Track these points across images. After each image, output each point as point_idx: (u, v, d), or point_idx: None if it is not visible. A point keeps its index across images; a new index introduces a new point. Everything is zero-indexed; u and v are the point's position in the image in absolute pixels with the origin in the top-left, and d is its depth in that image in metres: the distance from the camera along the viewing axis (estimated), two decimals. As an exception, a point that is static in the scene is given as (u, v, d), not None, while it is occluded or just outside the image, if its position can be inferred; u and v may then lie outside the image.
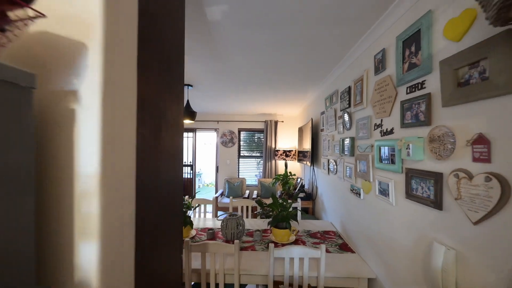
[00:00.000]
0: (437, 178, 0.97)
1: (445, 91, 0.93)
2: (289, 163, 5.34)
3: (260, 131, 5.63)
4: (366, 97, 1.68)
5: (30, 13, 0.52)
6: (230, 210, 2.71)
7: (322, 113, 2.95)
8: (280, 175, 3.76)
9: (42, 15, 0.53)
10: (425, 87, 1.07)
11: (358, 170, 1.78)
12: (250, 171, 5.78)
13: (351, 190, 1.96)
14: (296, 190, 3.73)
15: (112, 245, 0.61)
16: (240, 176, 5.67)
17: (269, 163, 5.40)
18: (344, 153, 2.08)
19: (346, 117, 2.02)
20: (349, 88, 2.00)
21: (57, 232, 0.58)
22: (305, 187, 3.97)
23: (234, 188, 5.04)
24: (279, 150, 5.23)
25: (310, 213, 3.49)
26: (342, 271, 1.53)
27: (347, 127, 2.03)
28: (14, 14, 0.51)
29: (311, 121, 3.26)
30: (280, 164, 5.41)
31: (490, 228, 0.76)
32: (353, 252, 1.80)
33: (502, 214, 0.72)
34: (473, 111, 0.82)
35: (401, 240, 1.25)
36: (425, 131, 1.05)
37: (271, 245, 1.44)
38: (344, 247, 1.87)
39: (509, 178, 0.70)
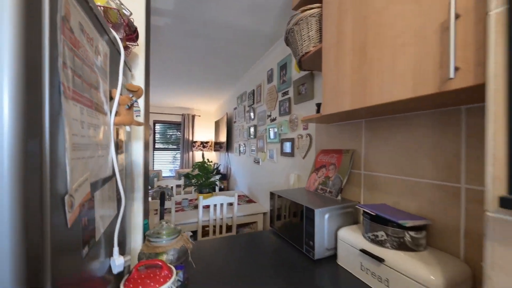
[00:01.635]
0: (292, 140, 1.89)
1: (295, 96, 1.85)
2: (206, 153, 5.89)
3: (177, 124, 5.83)
4: (263, 97, 2.56)
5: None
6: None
7: (235, 108, 3.73)
8: (198, 162, 4.26)
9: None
10: (288, 94, 1.99)
11: (258, 147, 2.65)
12: (165, 164, 5.87)
13: (254, 161, 2.82)
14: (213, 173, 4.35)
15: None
16: (155, 169, 5.65)
17: (187, 154, 5.73)
18: (250, 137, 2.92)
19: (251, 111, 2.86)
20: (253, 90, 2.85)
21: None
22: (220, 170, 4.67)
23: (150, 179, 5.04)
24: (196, 142, 5.67)
25: (225, 189, 4.22)
26: (248, 211, 2.32)
27: (252, 118, 2.87)
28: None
29: (226, 115, 3.98)
30: (198, 154, 5.86)
31: (307, 160, 1.70)
32: (255, 202, 2.65)
33: (310, 152, 1.67)
34: (303, 107, 1.76)
35: (279, 181, 2.16)
36: (288, 117, 1.97)
37: (200, 196, 2.02)
38: (250, 201, 2.70)
39: (313, 135, 1.64)
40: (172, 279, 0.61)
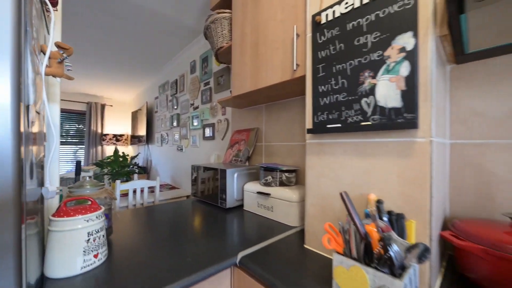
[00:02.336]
0: (213, 125, 2.14)
1: (215, 86, 2.11)
2: (121, 148, 5.28)
3: (80, 113, 4.94)
4: (186, 87, 2.68)
5: None
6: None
7: (156, 97, 3.62)
8: (109, 156, 3.83)
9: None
10: (209, 84, 2.23)
11: (181, 134, 2.75)
12: (64, 161, 4.87)
13: (177, 149, 2.89)
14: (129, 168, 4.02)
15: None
16: (48, 167, 4.59)
17: (94, 149, 4.96)
18: (173, 126, 2.96)
19: (174, 100, 2.91)
20: (176, 80, 2.91)
21: None
22: (139, 164, 4.35)
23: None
24: (107, 135, 5.00)
25: (145, 185, 3.99)
26: (170, 196, 2.40)
27: (175, 107, 2.93)
28: None
29: (146, 104, 3.78)
30: (109, 149, 5.18)
31: (225, 140, 2.00)
32: (178, 188, 2.73)
33: (228, 133, 1.97)
34: (222, 95, 2.04)
35: (202, 163, 2.36)
36: (209, 105, 2.21)
37: (118, 180, 1.96)
38: (172, 188, 2.75)
39: (230, 119, 1.94)
40: (102, 210, 0.73)
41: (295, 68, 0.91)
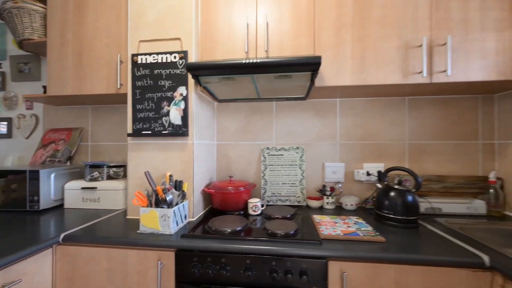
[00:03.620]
0: (9, 120, 1.72)
1: (14, 73, 1.71)
2: None
3: None
4: None
5: None
6: None
7: None
8: None
9: None
10: (1, 68, 1.75)
11: None
12: None
13: None
14: None
15: None
16: None
17: None
18: None
19: None
20: None
21: None
22: None
23: None
24: None
25: None
26: None
27: None
28: None
29: None
30: None
31: (31, 139, 1.71)
32: None
33: (37, 131, 1.71)
34: (27, 86, 1.72)
35: (-15, 170, 1.78)
36: (2, 94, 1.74)
37: None
38: None
39: (40, 115, 1.70)
40: None
41: (119, 86, 1.20)
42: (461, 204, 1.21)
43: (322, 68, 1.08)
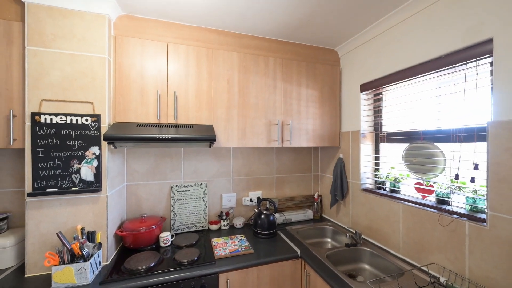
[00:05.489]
0: None
1: None
2: None
3: None
4: None
5: None
6: None
7: None
8: None
9: None
10: None
11: None
12: None
13: None
14: None
15: None
16: None
17: None
18: None
19: None
20: None
21: None
22: None
23: None
24: None
25: None
26: None
27: None
28: None
29: None
30: None
31: None
32: None
33: None
34: None
35: None
36: None
37: None
38: None
39: None
40: None
41: (12, 142, 1.16)
42: (301, 214, 2.01)
43: (217, 136, 1.53)
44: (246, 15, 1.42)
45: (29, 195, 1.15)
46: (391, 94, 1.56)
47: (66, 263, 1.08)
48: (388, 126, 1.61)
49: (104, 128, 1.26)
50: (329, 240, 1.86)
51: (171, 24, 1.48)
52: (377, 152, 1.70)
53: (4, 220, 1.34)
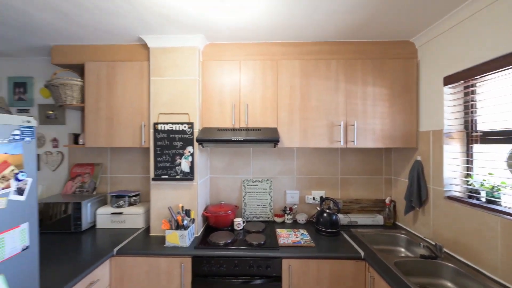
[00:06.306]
0: (37, 156, 2.12)
1: (41, 118, 2.10)
2: None
3: None
4: None
5: None
6: None
7: None
8: None
9: None
10: (28, 112, 2.13)
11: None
12: None
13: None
14: None
15: None
16: None
17: None
18: None
19: None
20: None
21: None
22: None
23: None
24: None
25: None
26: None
27: None
28: None
29: None
30: None
31: (58, 172, 2.13)
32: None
33: (62, 165, 2.13)
34: (53, 129, 2.12)
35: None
36: (30, 135, 2.13)
37: None
38: None
39: (65, 153, 2.12)
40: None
41: (143, 143, 1.72)
42: (369, 218, 1.91)
43: (280, 137, 1.70)
44: (306, 26, 1.53)
45: (153, 179, 1.67)
46: (489, 86, 1.30)
47: (173, 229, 1.52)
48: (485, 124, 1.35)
49: (196, 133, 1.67)
50: (402, 249, 1.70)
51: (242, 44, 1.77)
52: (468, 155, 1.44)
53: (137, 196, 1.98)
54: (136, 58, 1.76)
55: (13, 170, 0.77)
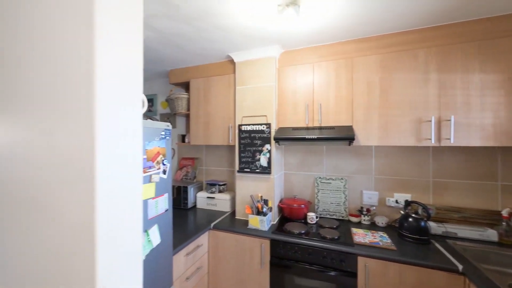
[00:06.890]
0: (159, 152, 2.90)
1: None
2: None
3: None
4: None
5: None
6: None
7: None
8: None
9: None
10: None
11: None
12: None
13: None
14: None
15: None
16: None
17: None
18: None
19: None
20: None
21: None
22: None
23: None
24: None
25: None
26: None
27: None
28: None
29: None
30: None
31: (174, 163, 2.84)
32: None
33: (174, 159, 2.83)
34: (168, 131, 2.86)
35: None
36: (155, 136, 2.94)
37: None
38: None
39: (176, 149, 2.81)
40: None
41: (230, 141, 2.08)
42: (474, 231, 1.59)
43: (356, 135, 1.68)
44: (386, 18, 1.46)
45: (238, 171, 2.00)
46: None
47: (255, 214, 1.78)
48: None
49: (273, 132, 1.88)
50: (526, 275, 1.33)
51: (315, 48, 1.85)
52: None
53: (225, 185, 2.39)
54: (225, 72, 2.15)
55: (162, 158, 1.19)
